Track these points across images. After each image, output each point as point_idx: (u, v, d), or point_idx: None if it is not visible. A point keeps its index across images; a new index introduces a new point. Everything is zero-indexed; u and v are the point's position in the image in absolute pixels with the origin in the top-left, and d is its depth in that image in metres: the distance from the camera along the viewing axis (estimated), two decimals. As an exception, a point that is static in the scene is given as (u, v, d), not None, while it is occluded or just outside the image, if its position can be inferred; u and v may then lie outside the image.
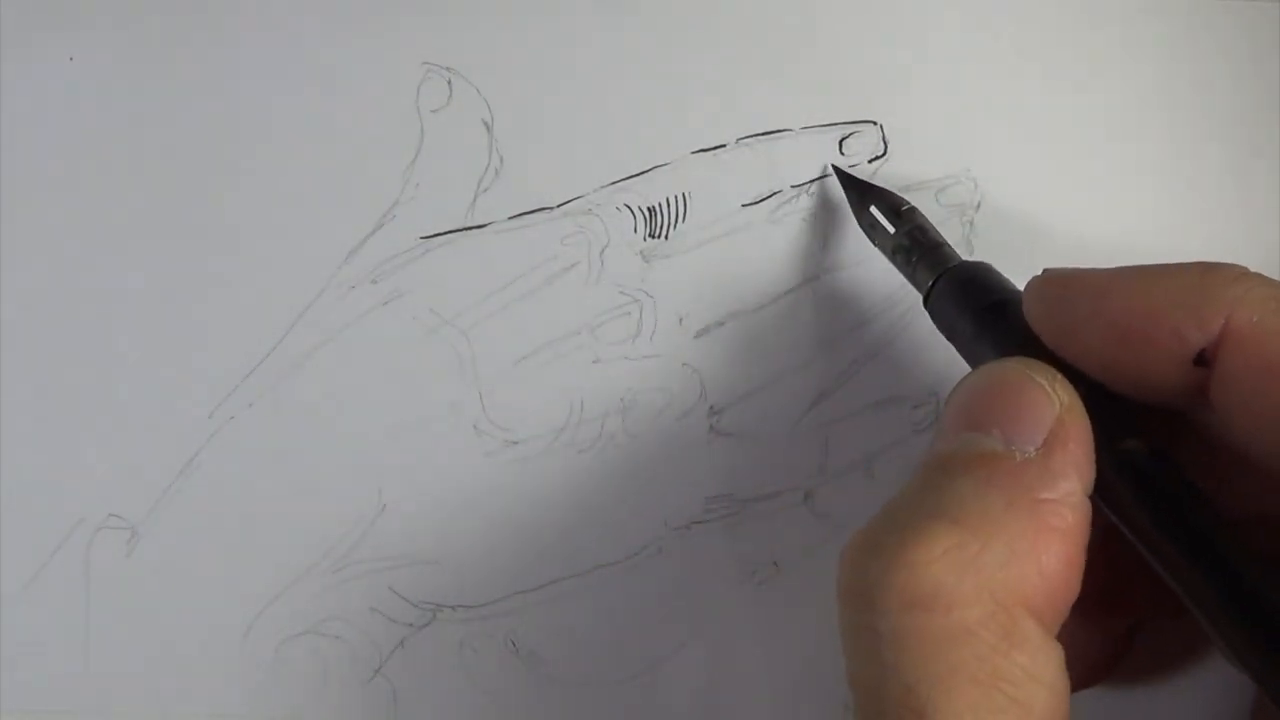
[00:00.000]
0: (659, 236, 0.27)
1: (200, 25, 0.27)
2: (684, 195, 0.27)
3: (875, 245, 0.26)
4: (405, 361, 0.28)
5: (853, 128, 0.27)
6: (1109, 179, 0.28)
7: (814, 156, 0.27)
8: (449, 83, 0.27)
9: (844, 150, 0.27)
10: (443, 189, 0.27)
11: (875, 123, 0.27)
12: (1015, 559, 0.17)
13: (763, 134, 0.27)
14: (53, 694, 0.28)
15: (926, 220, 0.26)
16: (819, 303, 0.28)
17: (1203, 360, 0.18)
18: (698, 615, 0.28)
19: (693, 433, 0.28)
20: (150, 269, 0.28)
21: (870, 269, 0.27)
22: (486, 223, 0.28)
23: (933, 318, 0.24)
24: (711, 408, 0.28)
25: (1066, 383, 0.19)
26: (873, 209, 0.26)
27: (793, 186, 0.27)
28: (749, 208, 0.27)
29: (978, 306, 0.23)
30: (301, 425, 0.28)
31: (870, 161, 0.27)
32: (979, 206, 0.28)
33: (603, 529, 0.28)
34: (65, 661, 0.28)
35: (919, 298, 0.25)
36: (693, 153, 0.27)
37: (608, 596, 0.28)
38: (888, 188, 0.26)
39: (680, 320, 0.27)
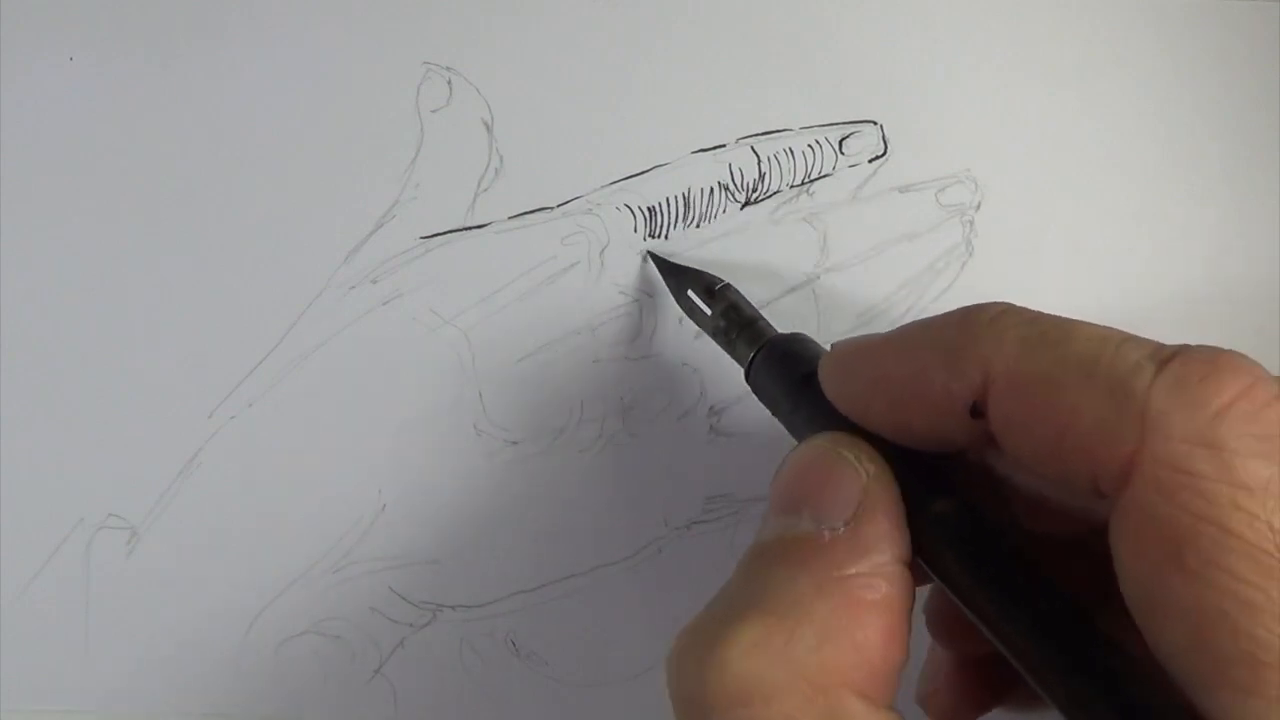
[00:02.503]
0: (659, 236, 0.27)
1: (200, 25, 0.27)
2: (684, 195, 0.27)
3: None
4: (405, 361, 0.28)
5: (853, 128, 0.27)
6: (1109, 179, 0.28)
7: (814, 156, 0.27)
8: (449, 83, 0.27)
9: (844, 150, 0.27)
10: (443, 189, 0.27)
11: (875, 123, 0.27)
12: (828, 640, 0.17)
13: (763, 134, 0.27)
14: (53, 694, 0.28)
15: (740, 296, 0.25)
16: (819, 302, 0.28)
17: (978, 412, 0.18)
18: (698, 615, 0.28)
19: (693, 433, 0.28)
20: (150, 269, 0.28)
21: (870, 269, 0.27)
22: (486, 223, 0.28)
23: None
24: (711, 408, 0.28)
25: (873, 452, 0.19)
26: (689, 292, 0.26)
27: (792, 186, 0.27)
28: (749, 208, 0.27)
29: (790, 381, 0.22)
30: (301, 425, 0.28)
31: (870, 161, 0.27)
32: (979, 206, 0.28)
33: (603, 529, 0.28)
34: (65, 661, 0.28)
35: (919, 298, 0.25)
36: (693, 153, 0.27)
37: (608, 596, 0.28)
38: (701, 268, 0.26)
39: (680, 320, 0.27)
